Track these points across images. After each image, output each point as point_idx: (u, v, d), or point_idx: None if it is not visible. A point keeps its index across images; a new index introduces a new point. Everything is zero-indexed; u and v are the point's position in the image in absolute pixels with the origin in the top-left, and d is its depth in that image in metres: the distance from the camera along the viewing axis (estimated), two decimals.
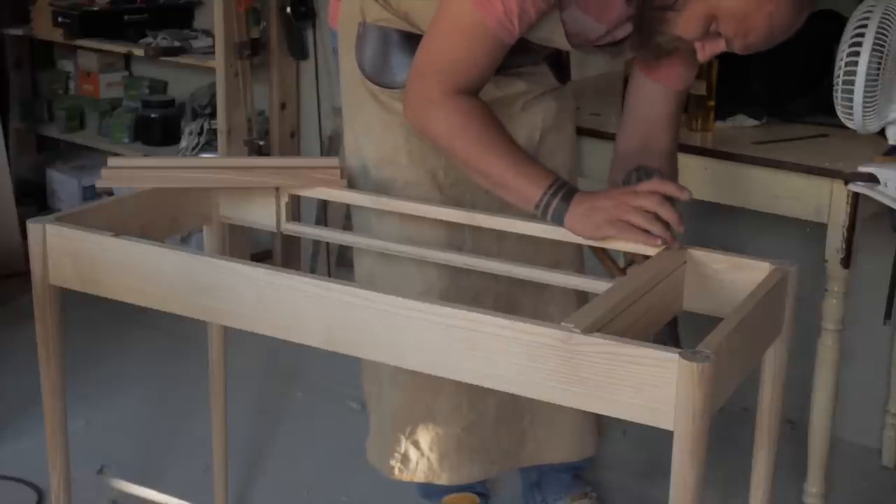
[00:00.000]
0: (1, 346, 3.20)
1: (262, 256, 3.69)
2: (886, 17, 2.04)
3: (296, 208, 1.97)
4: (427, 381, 2.00)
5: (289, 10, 3.60)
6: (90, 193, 4.24)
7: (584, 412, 2.07)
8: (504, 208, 1.81)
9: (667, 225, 1.57)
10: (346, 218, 3.62)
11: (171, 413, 2.93)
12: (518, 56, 1.81)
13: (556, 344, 1.28)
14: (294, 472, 2.68)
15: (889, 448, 2.73)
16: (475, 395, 2.06)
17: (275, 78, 3.71)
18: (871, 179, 2.00)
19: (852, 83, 2.06)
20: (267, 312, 1.51)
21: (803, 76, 2.32)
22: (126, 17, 4.01)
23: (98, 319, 3.12)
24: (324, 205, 3.56)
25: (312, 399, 3.05)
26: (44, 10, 4.11)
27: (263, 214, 1.95)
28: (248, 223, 1.98)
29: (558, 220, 1.65)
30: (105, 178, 1.88)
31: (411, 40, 1.85)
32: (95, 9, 4.05)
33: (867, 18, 2.04)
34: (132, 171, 1.90)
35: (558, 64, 2.03)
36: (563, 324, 1.29)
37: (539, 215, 1.67)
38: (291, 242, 3.72)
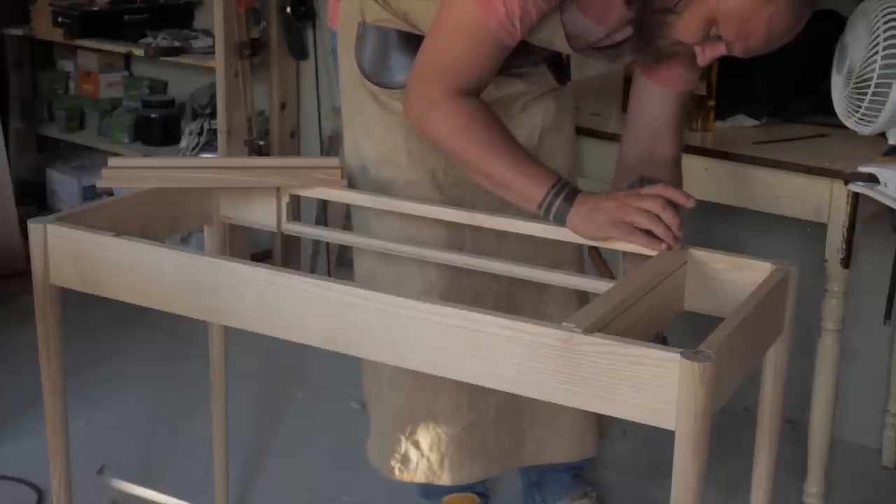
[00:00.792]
0: (1, 346, 3.20)
1: (262, 256, 3.69)
2: None
3: (296, 208, 1.97)
4: (427, 381, 2.00)
5: (289, 10, 3.60)
6: (90, 193, 4.24)
7: (585, 412, 2.07)
8: (504, 208, 1.81)
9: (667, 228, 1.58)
10: (346, 218, 3.62)
11: (171, 413, 2.93)
12: (518, 58, 1.81)
13: (558, 344, 1.28)
14: (294, 472, 2.68)
15: (889, 448, 2.73)
16: (475, 395, 2.06)
17: (275, 78, 3.71)
18: (871, 179, 2.00)
19: (889, 86, 2.02)
20: (267, 312, 1.51)
21: (803, 76, 2.32)
22: (126, 17, 4.01)
23: (98, 319, 3.12)
24: (324, 205, 3.56)
25: (312, 399, 3.05)
26: (44, 10, 4.11)
27: (264, 214, 1.95)
28: (248, 223, 1.98)
29: (560, 221, 1.65)
30: (105, 178, 1.88)
31: (411, 41, 1.85)
32: (95, 9, 4.05)
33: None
34: (132, 171, 1.90)
35: (558, 65, 2.03)
36: (564, 324, 1.29)
37: (541, 215, 1.67)
38: (291, 242, 3.72)
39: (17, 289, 3.49)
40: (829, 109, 2.22)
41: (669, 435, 1.24)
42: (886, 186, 1.98)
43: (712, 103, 2.27)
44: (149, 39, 3.89)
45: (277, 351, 3.15)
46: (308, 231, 2.05)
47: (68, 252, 1.65)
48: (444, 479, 2.14)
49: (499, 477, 2.43)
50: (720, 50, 1.57)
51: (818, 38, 2.25)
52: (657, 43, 1.61)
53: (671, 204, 1.60)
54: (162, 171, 1.90)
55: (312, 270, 3.73)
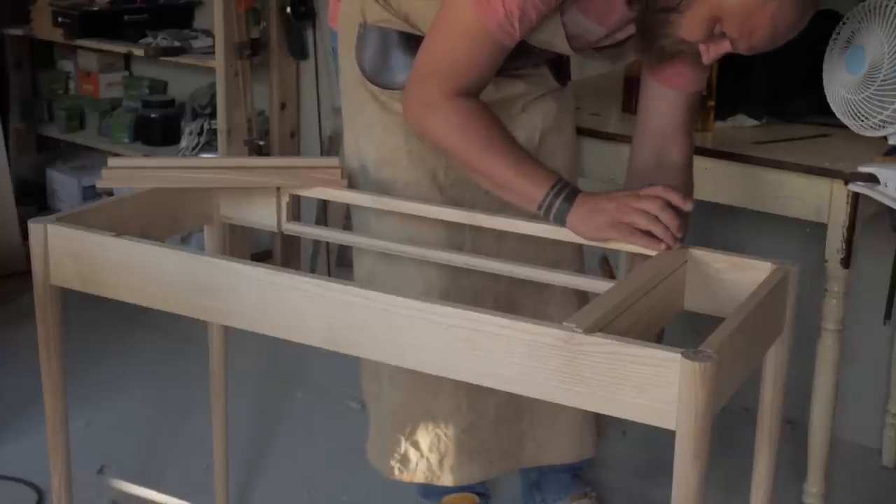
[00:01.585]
0: (1, 346, 3.20)
1: (262, 256, 3.69)
2: None
3: (296, 208, 1.97)
4: (427, 382, 2.00)
5: (289, 10, 3.60)
6: (90, 193, 4.24)
7: (584, 412, 2.07)
8: (504, 208, 1.81)
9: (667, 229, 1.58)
10: (346, 218, 3.62)
11: (171, 413, 2.93)
12: (518, 59, 1.81)
13: (559, 344, 1.28)
14: (294, 472, 2.68)
15: (889, 448, 2.73)
16: (475, 396, 2.06)
17: (275, 78, 3.71)
18: (871, 179, 2.00)
19: None
20: (267, 312, 1.51)
21: (803, 76, 2.32)
22: (126, 17, 4.01)
23: (99, 319, 3.12)
24: (324, 205, 3.56)
25: (312, 399, 3.05)
26: (44, 10, 4.11)
27: (264, 214, 1.95)
28: (248, 223, 1.98)
29: (560, 221, 1.65)
30: (105, 178, 1.88)
31: (411, 41, 1.85)
32: (95, 9, 4.05)
33: None
34: (132, 171, 1.90)
35: (558, 65, 2.03)
36: (564, 323, 1.29)
37: (541, 215, 1.67)
38: (291, 242, 3.72)
39: (17, 289, 3.49)
40: (829, 109, 2.22)
41: (670, 435, 1.24)
42: (886, 186, 1.98)
43: (712, 103, 2.27)
44: (149, 39, 3.89)
45: (277, 351, 3.15)
46: (308, 231, 2.05)
47: (68, 252, 1.65)
48: (444, 480, 2.13)
49: (499, 477, 2.43)
50: (724, 47, 1.57)
51: (818, 38, 2.25)
52: (661, 42, 1.61)
53: (670, 206, 1.60)
54: (162, 171, 1.90)
55: (312, 270, 3.73)
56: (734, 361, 1.30)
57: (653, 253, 1.59)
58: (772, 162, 2.13)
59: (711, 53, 1.59)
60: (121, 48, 4.01)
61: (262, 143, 3.64)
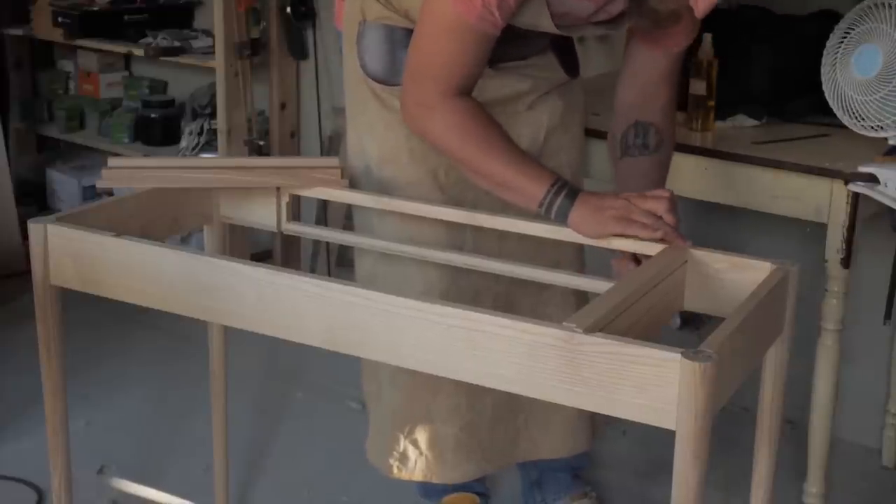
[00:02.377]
0: (1, 346, 3.20)
1: (262, 256, 3.69)
2: None
3: (296, 208, 1.97)
4: (426, 381, 2.00)
5: (289, 10, 3.60)
6: (90, 193, 4.24)
7: (580, 413, 2.08)
8: (506, 208, 1.80)
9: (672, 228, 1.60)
10: (346, 218, 3.62)
11: (171, 413, 2.93)
12: (521, 45, 1.80)
13: (558, 344, 1.28)
14: (294, 472, 2.68)
15: (889, 448, 2.73)
16: (473, 396, 2.07)
17: (275, 78, 3.71)
18: (871, 179, 2.00)
19: None
20: (267, 312, 1.51)
21: (803, 76, 2.31)
22: (126, 17, 4.01)
23: (98, 319, 3.12)
24: (324, 205, 3.56)
25: (312, 399, 3.05)
26: (44, 10, 4.11)
27: (264, 214, 1.95)
28: (248, 223, 1.98)
29: (562, 218, 1.65)
30: (105, 178, 1.88)
31: None
32: (95, 9, 4.05)
33: None
34: (132, 171, 1.90)
35: (567, 52, 2.01)
36: (564, 323, 1.29)
37: (542, 213, 1.67)
38: (291, 242, 3.72)
39: (17, 289, 3.49)
40: (829, 109, 2.22)
41: (669, 435, 1.24)
42: (886, 186, 1.98)
43: (712, 103, 2.27)
44: (149, 39, 3.89)
45: (277, 351, 3.15)
46: (308, 231, 2.05)
47: (68, 252, 1.65)
48: (441, 478, 2.14)
49: (499, 477, 2.43)
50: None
51: (818, 38, 2.25)
52: (651, 4, 1.62)
53: (675, 207, 1.62)
54: (162, 171, 1.90)
55: (312, 270, 3.73)
56: (734, 361, 1.30)
57: (652, 252, 1.59)
58: (771, 162, 2.13)
59: (701, 7, 1.57)
60: (121, 48, 4.01)
61: (262, 143, 3.64)
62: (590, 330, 1.28)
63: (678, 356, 1.21)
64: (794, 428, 2.63)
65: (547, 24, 1.72)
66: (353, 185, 1.95)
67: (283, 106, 3.75)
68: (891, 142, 2.14)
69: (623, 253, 1.68)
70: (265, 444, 2.80)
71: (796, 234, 2.49)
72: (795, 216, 2.16)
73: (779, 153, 2.15)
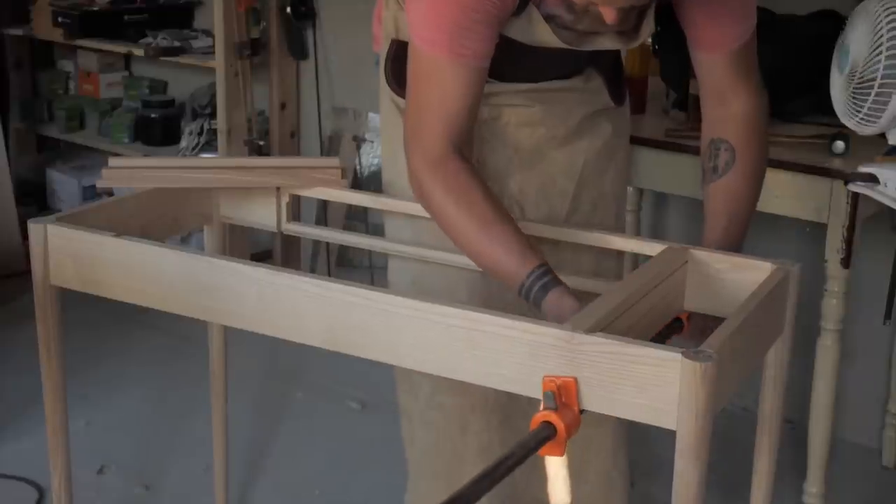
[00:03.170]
0: (1, 346, 3.20)
1: (262, 256, 3.69)
2: None
3: (296, 208, 1.97)
4: (456, 417, 1.89)
5: (289, 10, 3.60)
6: (90, 193, 4.24)
7: (615, 459, 2.01)
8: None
9: None
10: (346, 218, 3.62)
11: (171, 413, 2.93)
12: (556, 64, 1.74)
13: (559, 343, 1.28)
14: (294, 472, 2.68)
15: (889, 448, 2.73)
16: (505, 433, 1.93)
17: (275, 78, 3.71)
18: (871, 179, 2.01)
19: (893, 86, 2.00)
20: (267, 312, 1.51)
21: (803, 76, 2.32)
22: (126, 17, 4.02)
23: (98, 319, 3.12)
24: (324, 205, 3.57)
25: (312, 399, 3.05)
26: (44, 10, 4.12)
27: (264, 214, 1.95)
28: (248, 223, 1.98)
29: (537, 307, 1.53)
30: (105, 178, 1.88)
31: None
32: (95, 9, 4.05)
33: None
34: (132, 171, 1.90)
35: (614, 78, 1.90)
36: (565, 323, 1.29)
37: (522, 296, 1.55)
38: (291, 242, 3.72)
39: (17, 289, 3.49)
40: (829, 109, 2.22)
41: (669, 434, 1.24)
42: (886, 186, 1.98)
43: None
44: (149, 39, 3.89)
45: (277, 351, 3.15)
46: (308, 231, 2.05)
47: (68, 252, 1.65)
48: None
49: None
50: None
51: (818, 38, 2.25)
52: None
53: None
54: (162, 171, 1.90)
55: (312, 270, 3.74)
56: (734, 361, 1.30)
57: (652, 253, 1.58)
58: (772, 162, 2.12)
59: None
60: (121, 48, 4.01)
61: (262, 143, 3.64)
62: (591, 330, 1.28)
63: (679, 356, 1.21)
64: (794, 428, 2.63)
65: (550, 38, 1.68)
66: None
67: (283, 106, 3.75)
68: (891, 142, 2.14)
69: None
70: (265, 444, 2.80)
71: (796, 234, 2.49)
72: (795, 216, 2.17)
73: (779, 153, 2.15)
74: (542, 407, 1.25)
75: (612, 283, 1.64)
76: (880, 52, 2.01)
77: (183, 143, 3.89)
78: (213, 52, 3.55)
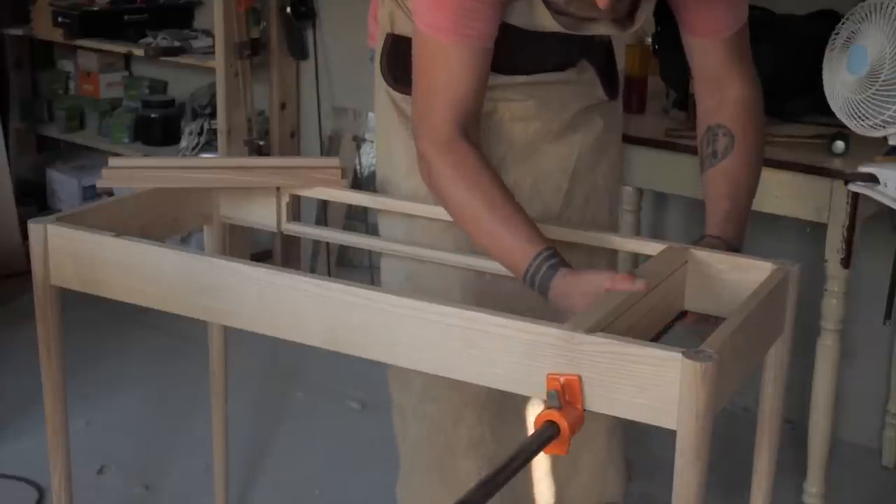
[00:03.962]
0: (1, 346, 3.20)
1: (262, 256, 3.69)
2: None
3: (296, 208, 1.97)
4: (449, 411, 1.91)
5: (289, 10, 3.60)
6: (90, 193, 4.24)
7: (609, 453, 2.02)
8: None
9: None
10: (346, 218, 3.62)
11: (171, 413, 2.93)
12: (551, 54, 1.76)
13: (559, 343, 1.28)
14: (294, 472, 2.68)
15: (889, 448, 2.73)
16: (498, 426, 1.93)
17: (275, 78, 3.71)
18: (871, 179, 2.01)
19: None
20: (268, 312, 1.51)
21: (803, 76, 2.32)
22: (126, 17, 4.02)
23: (98, 319, 3.12)
24: (324, 205, 3.57)
25: (312, 399, 3.05)
26: (44, 10, 4.12)
27: (264, 214, 1.95)
28: (248, 223, 1.98)
29: (544, 291, 1.53)
30: (105, 178, 1.88)
31: None
32: (95, 9, 4.05)
33: None
34: (132, 171, 1.90)
35: (608, 71, 1.91)
36: (565, 323, 1.29)
37: (527, 282, 1.56)
38: (291, 242, 3.72)
39: (17, 289, 3.49)
40: (829, 109, 2.22)
41: (669, 434, 1.24)
42: (886, 186, 1.98)
43: None
44: (149, 39, 3.89)
45: (277, 351, 3.15)
46: (308, 231, 2.05)
47: (68, 252, 1.65)
48: None
49: None
50: None
51: (818, 38, 2.25)
52: None
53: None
54: (162, 171, 1.90)
55: (312, 270, 3.73)
56: (735, 361, 1.30)
57: (653, 253, 1.58)
58: (772, 162, 2.13)
59: None
60: (121, 48, 4.01)
61: (262, 143, 3.64)
62: (591, 330, 1.28)
63: (679, 356, 1.21)
64: (794, 428, 2.63)
65: (549, 23, 1.68)
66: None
67: (283, 106, 3.75)
68: (891, 141, 2.14)
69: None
70: (265, 444, 2.80)
71: (796, 234, 2.49)
72: (795, 216, 2.17)
73: (779, 153, 2.15)
74: (545, 406, 1.26)
75: None
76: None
77: (183, 143, 3.89)
78: (213, 52, 3.55)
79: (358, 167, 3.64)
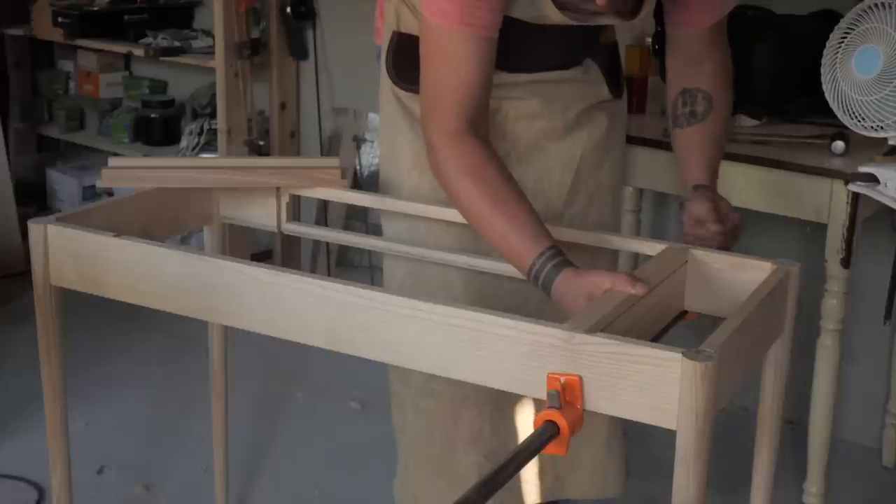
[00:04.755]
0: (1, 346, 3.20)
1: (262, 256, 3.69)
2: None
3: (296, 208, 1.97)
4: (449, 406, 1.91)
5: (289, 10, 3.60)
6: (90, 193, 4.24)
7: (609, 447, 2.00)
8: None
9: None
10: (346, 218, 3.62)
11: (171, 413, 2.93)
12: (556, 51, 1.76)
13: (559, 344, 1.28)
14: (294, 472, 2.68)
15: (889, 448, 2.73)
16: (498, 420, 1.94)
17: (275, 78, 3.71)
18: (871, 179, 2.01)
19: None
20: (268, 312, 1.51)
21: (803, 76, 2.32)
22: (126, 17, 4.02)
23: (98, 319, 3.12)
24: (324, 205, 3.57)
25: (312, 399, 3.05)
26: (44, 10, 4.12)
27: (264, 214, 1.95)
28: (248, 223, 1.98)
29: (547, 289, 1.52)
30: (105, 178, 1.88)
31: None
32: (95, 9, 4.05)
33: None
34: (133, 171, 1.90)
35: (612, 69, 1.91)
36: (565, 323, 1.29)
37: (532, 279, 1.55)
38: (291, 242, 3.72)
39: (17, 289, 3.49)
40: (829, 109, 2.22)
41: (669, 435, 1.24)
42: (886, 186, 1.99)
43: None
44: (149, 39, 3.89)
45: (277, 351, 3.14)
46: (308, 231, 2.05)
47: (68, 252, 1.65)
48: None
49: None
50: None
51: (818, 38, 2.25)
52: None
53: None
54: (162, 171, 1.90)
55: (312, 270, 3.73)
56: (735, 361, 1.30)
57: (652, 253, 1.58)
58: (772, 162, 2.13)
59: None
60: (121, 48, 4.01)
61: (262, 143, 3.64)
62: (591, 330, 1.28)
63: (679, 356, 1.21)
64: (794, 428, 2.63)
65: (553, 14, 1.68)
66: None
67: (283, 106, 3.75)
68: (891, 142, 2.14)
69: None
70: (265, 444, 2.80)
71: (796, 234, 2.50)
72: (795, 216, 2.17)
73: (779, 153, 2.15)
74: (546, 405, 1.26)
75: None
76: None
77: (183, 143, 3.89)
78: (213, 52, 3.55)
79: (358, 167, 3.64)
